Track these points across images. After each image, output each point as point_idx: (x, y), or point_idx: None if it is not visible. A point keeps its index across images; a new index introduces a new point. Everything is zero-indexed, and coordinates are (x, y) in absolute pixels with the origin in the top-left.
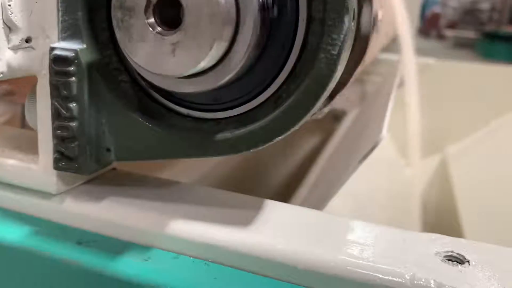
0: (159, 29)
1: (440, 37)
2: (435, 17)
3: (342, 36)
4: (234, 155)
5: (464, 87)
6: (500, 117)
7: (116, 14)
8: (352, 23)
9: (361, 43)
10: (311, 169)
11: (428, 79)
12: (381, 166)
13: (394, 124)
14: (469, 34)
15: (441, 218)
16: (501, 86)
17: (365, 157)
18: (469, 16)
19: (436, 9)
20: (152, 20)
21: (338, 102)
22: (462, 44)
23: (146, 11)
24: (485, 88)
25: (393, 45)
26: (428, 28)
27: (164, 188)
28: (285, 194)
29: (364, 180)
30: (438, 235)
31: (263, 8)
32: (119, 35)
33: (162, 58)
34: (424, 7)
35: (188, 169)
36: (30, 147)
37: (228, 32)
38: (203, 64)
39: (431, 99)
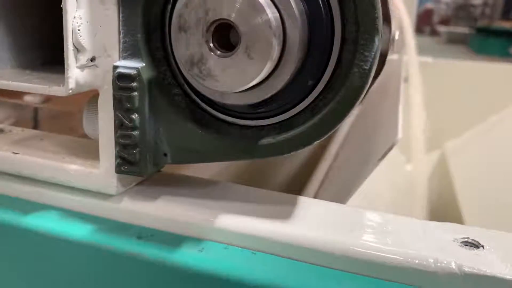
0: (218, 52)
1: (434, 33)
2: (428, 13)
3: (373, 53)
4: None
5: (461, 84)
6: (497, 113)
7: (177, 35)
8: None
9: (380, 57)
10: (318, 166)
11: (426, 77)
12: (382, 163)
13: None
14: (462, 29)
15: (443, 212)
16: (496, 83)
17: (384, 156)
18: (462, 11)
19: (429, 5)
20: (211, 44)
21: None
22: (455, 40)
23: (204, 35)
24: (482, 85)
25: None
26: (421, 24)
27: (206, 186)
28: (293, 190)
29: (368, 178)
30: (453, 224)
31: (304, 31)
32: (180, 52)
33: (217, 76)
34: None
35: (203, 168)
36: (84, 153)
37: (277, 54)
38: (254, 83)
39: (429, 97)
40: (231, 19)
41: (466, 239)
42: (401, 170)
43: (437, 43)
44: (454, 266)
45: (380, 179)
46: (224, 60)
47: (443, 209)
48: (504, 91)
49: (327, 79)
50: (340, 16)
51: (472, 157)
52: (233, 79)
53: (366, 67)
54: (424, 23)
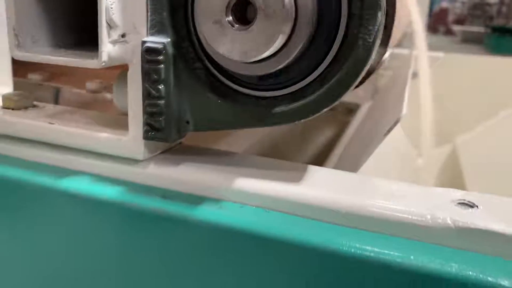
0: (235, 25)
1: (449, 32)
2: (443, 12)
3: (376, 27)
4: (287, 124)
5: (473, 79)
6: (508, 108)
7: (199, 13)
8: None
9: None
10: (331, 153)
11: (437, 72)
12: (393, 156)
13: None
14: (478, 29)
15: None
16: (508, 78)
17: (389, 131)
18: (477, 10)
19: (444, 4)
20: (230, 18)
21: (352, 96)
22: (470, 39)
23: (226, 10)
24: (493, 80)
25: (403, 40)
26: (436, 23)
27: (224, 157)
28: None
29: (377, 170)
30: (451, 189)
31: (314, 8)
32: (203, 26)
33: (235, 47)
34: (432, 3)
35: (234, 143)
36: (114, 124)
37: (288, 28)
38: (267, 54)
39: (440, 92)
40: None
41: (462, 201)
42: (412, 164)
43: (452, 42)
44: (449, 221)
45: (388, 172)
46: (241, 33)
47: None
48: None
49: (335, 52)
50: None
51: (483, 151)
52: (248, 50)
53: (370, 40)
54: (439, 22)
